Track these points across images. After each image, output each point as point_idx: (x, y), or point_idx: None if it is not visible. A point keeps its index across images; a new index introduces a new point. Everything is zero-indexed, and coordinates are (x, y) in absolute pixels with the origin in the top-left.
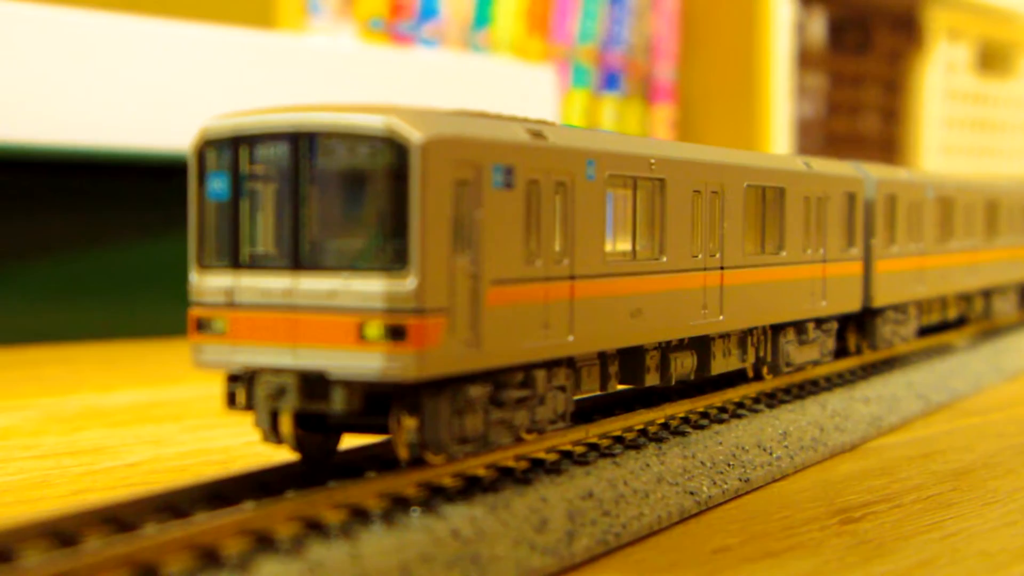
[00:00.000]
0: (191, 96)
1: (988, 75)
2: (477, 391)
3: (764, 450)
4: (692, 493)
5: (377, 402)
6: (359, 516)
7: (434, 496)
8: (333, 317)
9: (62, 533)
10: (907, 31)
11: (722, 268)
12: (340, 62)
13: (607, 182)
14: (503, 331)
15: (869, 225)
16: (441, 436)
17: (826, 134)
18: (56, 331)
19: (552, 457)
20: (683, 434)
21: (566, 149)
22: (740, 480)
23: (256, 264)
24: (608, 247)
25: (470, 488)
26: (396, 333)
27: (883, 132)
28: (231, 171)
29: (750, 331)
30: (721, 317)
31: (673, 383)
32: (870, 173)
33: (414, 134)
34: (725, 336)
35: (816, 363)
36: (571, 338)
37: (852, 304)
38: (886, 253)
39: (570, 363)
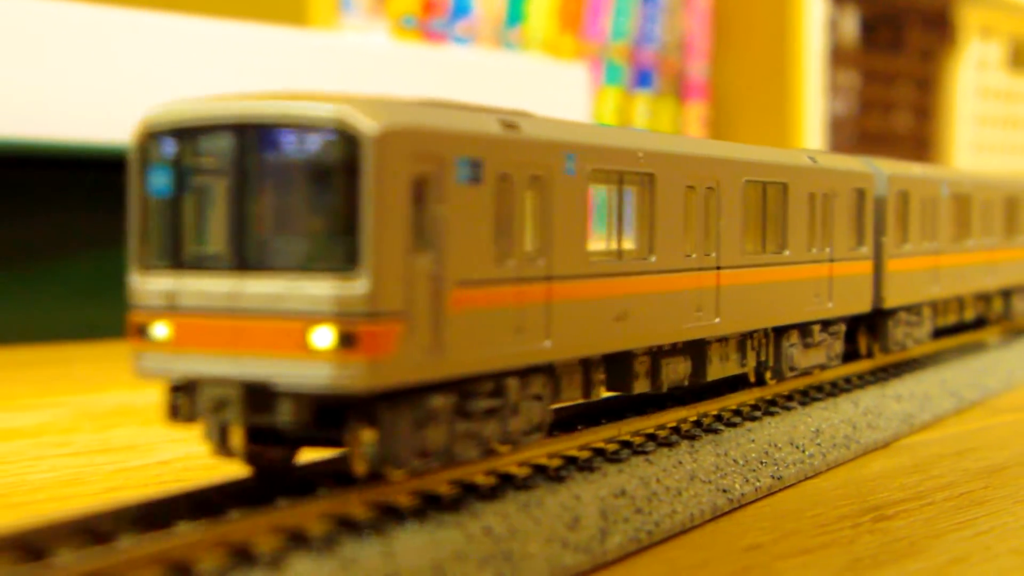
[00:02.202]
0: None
1: (1020, 72)
2: (440, 402)
3: (797, 448)
4: (725, 491)
5: (331, 413)
6: (391, 513)
7: (467, 494)
8: (279, 322)
9: (95, 531)
10: (939, 29)
11: (718, 268)
12: (372, 60)
13: (589, 176)
14: (470, 336)
15: (880, 222)
16: (400, 450)
17: (858, 131)
18: (89, 328)
19: (585, 455)
20: (716, 432)
21: (542, 141)
22: (772, 478)
23: (199, 265)
24: (592, 246)
25: (503, 486)
26: (346, 340)
27: (915, 129)
28: (174, 165)
29: (750, 334)
30: (717, 320)
31: (665, 390)
32: (881, 168)
33: (367, 125)
34: (723, 340)
35: (823, 367)
36: (548, 343)
37: (861, 305)
38: (898, 252)
39: (549, 370)
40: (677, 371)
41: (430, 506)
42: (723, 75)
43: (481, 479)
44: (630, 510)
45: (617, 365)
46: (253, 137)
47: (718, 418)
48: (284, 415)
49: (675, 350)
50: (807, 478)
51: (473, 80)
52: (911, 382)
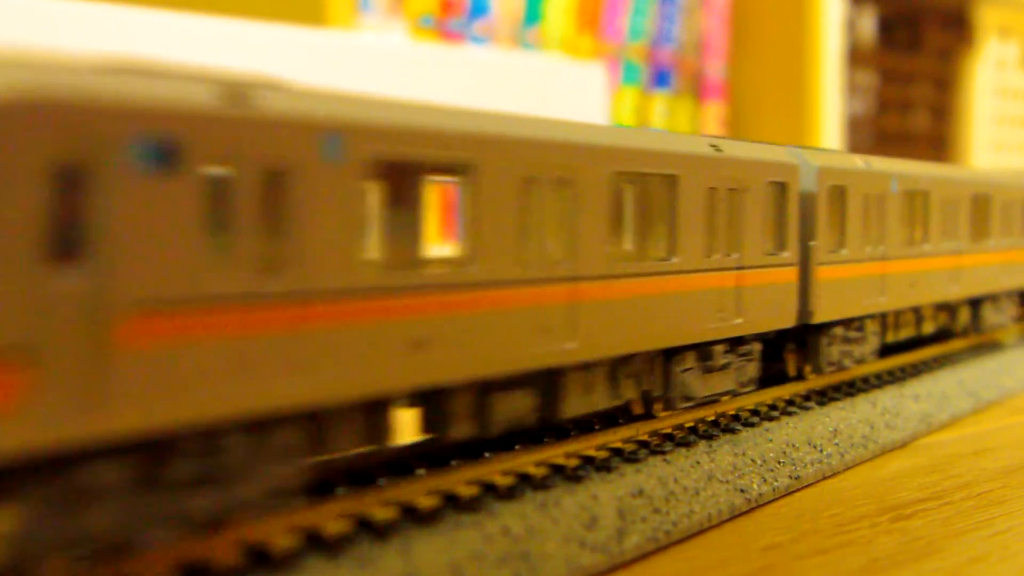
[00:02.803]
0: None
1: None
2: (107, 471)
3: (814, 448)
4: (742, 491)
5: None
6: (409, 514)
7: (485, 493)
8: None
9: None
10: (957, 29)
11: (574, 279)
12: (390, 59)
13: (367, 166)
14: (158, 378)
15: (807, 223)
16: (46, 538)
17: (876, 131)
18: None
19: (603, 455)
20: (734, 432)
21: (284, 118)
22: (790, 478)
23: None
24: (374, 255)
25: (521, 485)
26: None
27: (933, 129)
28: None
29: (627, 359)
30: (572, 344)
31: (497, 432)
32: (808, 159)
33: None
34: (586, 367)
35: (734, 394)
36: (295, 382)
37: (783, 320)
38: (831, 258)
39: (309, 416)
40: (515, 408)
41: (448, 506)
42: (741, 75)
43: (499, 479)
44: (648, 510)
45: (426, 404)
46: None
47: (736, 418)
48: None
49: (514, 383)
50: (825, 478)
51: (491, 80)
52: (928, 382)
